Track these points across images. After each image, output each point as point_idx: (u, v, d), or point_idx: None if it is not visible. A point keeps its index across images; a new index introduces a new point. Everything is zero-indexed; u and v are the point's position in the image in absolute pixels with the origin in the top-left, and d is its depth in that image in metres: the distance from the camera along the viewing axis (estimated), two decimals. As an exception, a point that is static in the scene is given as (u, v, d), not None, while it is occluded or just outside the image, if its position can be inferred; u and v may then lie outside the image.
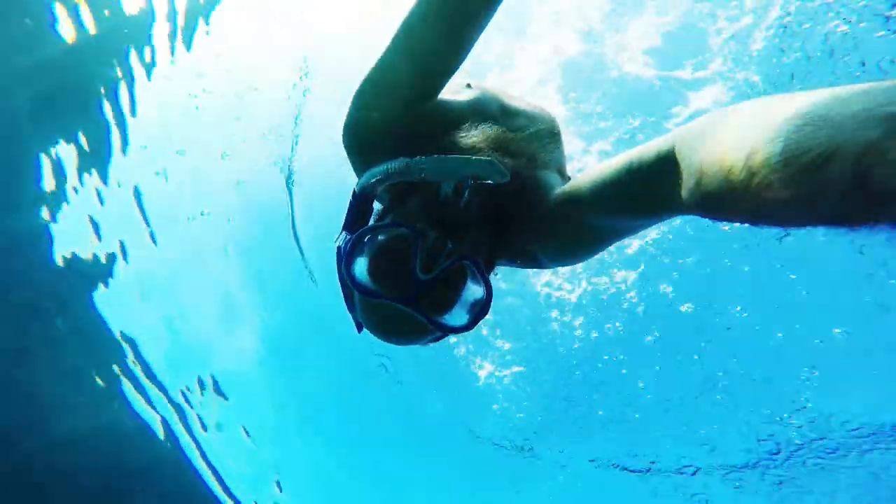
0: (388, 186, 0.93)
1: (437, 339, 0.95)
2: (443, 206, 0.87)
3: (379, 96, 0.96)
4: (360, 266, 0.85)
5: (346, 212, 0.98)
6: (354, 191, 0.97)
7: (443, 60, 0.94)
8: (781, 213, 0.51)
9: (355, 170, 1.07)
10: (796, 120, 0.47)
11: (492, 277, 1.01)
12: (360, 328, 1.03)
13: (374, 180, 0.91)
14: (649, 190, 0.74)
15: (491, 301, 0.85)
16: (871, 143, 0.39)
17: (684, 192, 0.65)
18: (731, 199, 0.57)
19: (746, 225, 0.60)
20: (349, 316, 1.01)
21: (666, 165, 0.69)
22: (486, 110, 1.11)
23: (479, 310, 0.85)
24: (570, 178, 1.10)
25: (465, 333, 0.87)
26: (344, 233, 0.95)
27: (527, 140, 1.04)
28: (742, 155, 0.52)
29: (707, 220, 0.68)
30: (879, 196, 0.39)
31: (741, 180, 0.54)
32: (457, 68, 0.97)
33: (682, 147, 0.66)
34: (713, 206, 0.62)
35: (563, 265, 1.04)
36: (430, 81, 0.97)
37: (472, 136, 0.99)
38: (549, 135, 1.13)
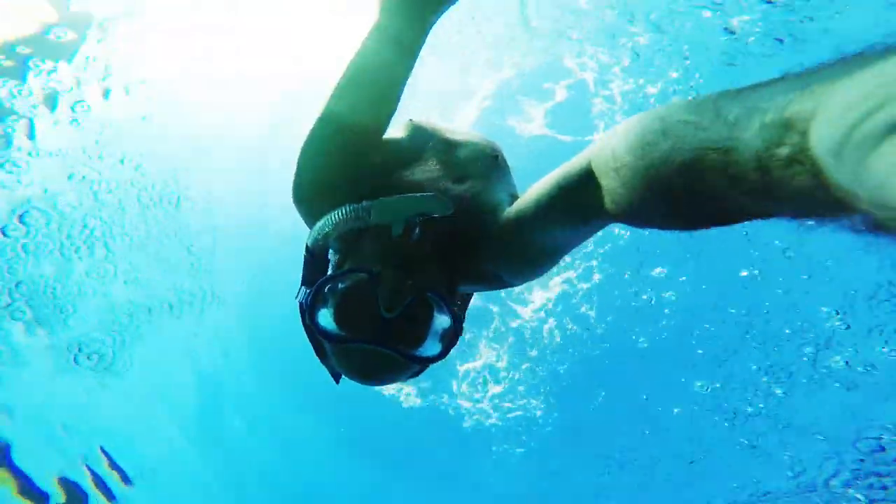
0: (340, 234, 0.92)
1: (416, 374, 0.95)
2: (396, 244, 0.88)
3: (326, 145, 0.98)
4: (325, 315, 0.85)
5: (302, 267, 0.98)
6: (307, 245, 0.97)
7: (387, 101, 1.00)
8: (689, 214, 0.57)
9: (308, 224, 1.06)
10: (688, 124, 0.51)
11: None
12: (337, 379, 1.00)
13: (325, 232, 0.91)
14: (579, 202, 0.78)
15: (459, 327, 0.87)
16: (757, 149, 0.43)
17: (605, 201, 0.70)
18: (638, 207, 0.63)
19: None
20: (325, 370, 0.99)
21: (587, 178, 0.74)
22: (428, 143, 1.13)
23: (450, 338, 0.87)
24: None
25: (441, 362, 0.87)
26: (303, 287, 0.93)
27: (469, 168, 1.07)
28: (645, 163, 0.58)
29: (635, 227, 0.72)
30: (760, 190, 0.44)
31: (646, 187, 0.58)
32: (397, 105, 1.03)
33: (596, 160, 0.72)
34: (626, 214, 0.67)
35: (525, 280, 1.07)
36: (375, 123, 1.02)
37: (416, 171, 1.02)
38: (492, 160, 1.15)
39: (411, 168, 1.03)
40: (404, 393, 8.23)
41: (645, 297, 6.38)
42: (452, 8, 1.00)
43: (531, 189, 0.90)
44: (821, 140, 0.36)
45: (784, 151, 0.40)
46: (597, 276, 6.32)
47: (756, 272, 5.65)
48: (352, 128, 0.98)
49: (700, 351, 6.49)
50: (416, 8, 0.95)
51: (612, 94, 5.18)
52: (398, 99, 1.02)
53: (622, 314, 6.66)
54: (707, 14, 4.13)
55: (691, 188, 0.52)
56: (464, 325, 1.13)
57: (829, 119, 0.36)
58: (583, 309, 6.69)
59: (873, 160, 0.32)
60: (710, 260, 5.82)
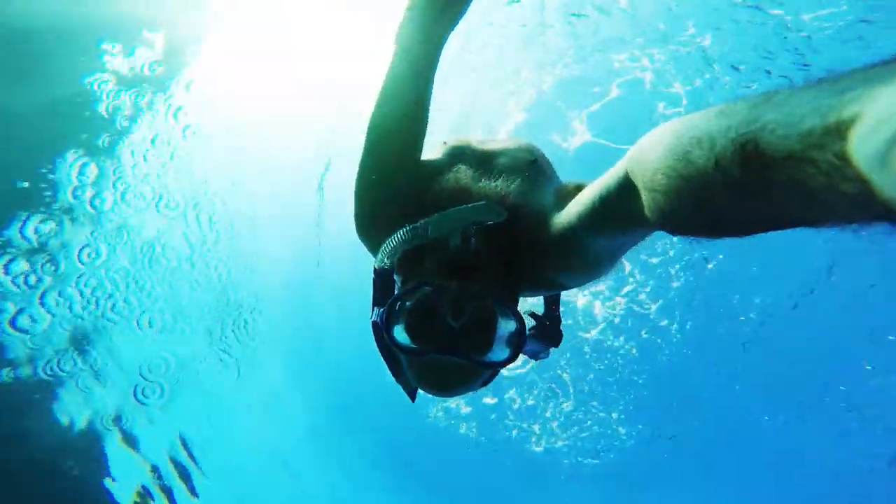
0: (403, 254, 0.96)
1: (487, 381, 0.98)
2: (455, 255, 0.92)
3: (373, 177, 1.05)
4: (400, 331, 0.91)
5: (372, 290, 1.03)
6: (374, 268, 1.03)
7: (416, 121, 1.05)
8: (730, 221, 0.55)
9: (372, 251, 1.12)
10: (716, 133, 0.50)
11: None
12: (413, 396, 1.05)
13: (388, 254, 0.96)
14: (620, 213, 0.77)
15: (525, 329, 0.90)
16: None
17: (645, 210, 0.69)
18: (678, 216, 0.62)
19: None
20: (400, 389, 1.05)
21: (626, 189, 0.73)
22: (464, 155, 1.18)
23: (517, 340, 0.90)
24: (576, 189, 1.05)
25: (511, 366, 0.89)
26: (376, 308, 0.99)
27: (507, 172, 1.09)
28: (680, 172, 0.57)
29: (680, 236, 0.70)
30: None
31: (683, 195, 0.57)
32: (426, 121, 1.08)
33: (632, 169, 0.71)
34: (666, 223, 0.66)
35: (581, 284, 1.07)
36: (410, 145, 1.07)
37: (451, 179, 1.08)
38: (530, 164, 1.16)
39: (455, 182, 1.07)
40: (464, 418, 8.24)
41: (743, 318, 5.95)
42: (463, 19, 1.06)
43: (580, 198, 0.90)
44: (863, 147, 0.35)
45: (825, 159, 0.38)
46: (675, 284, 6.04)
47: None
48: (390, 155, 1.04)
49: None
50: (429, 30, 1.01)
51: (673, 92, 4.99)
52: (426, 117, 1.07)
53: (705, 323, 6.25)
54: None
55: (729, 195, 0.51)
56: (559, 327, 1.18)
57: (871, 126, 0.34)
58: (663, 323, 6.38)
59: None
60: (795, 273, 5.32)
